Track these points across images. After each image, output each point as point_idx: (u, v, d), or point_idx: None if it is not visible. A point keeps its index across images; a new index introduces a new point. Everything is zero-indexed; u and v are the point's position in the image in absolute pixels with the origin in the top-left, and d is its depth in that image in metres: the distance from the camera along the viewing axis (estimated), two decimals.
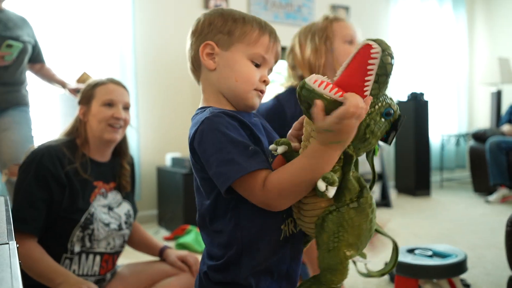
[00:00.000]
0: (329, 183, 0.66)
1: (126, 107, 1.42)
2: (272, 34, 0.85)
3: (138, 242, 1.57)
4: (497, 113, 4.66)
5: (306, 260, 1.47)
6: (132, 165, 1.53)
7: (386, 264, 0.84)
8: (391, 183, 4.35)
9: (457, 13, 5.14)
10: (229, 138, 0.72)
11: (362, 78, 0.66)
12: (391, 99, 0.71)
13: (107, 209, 1.38)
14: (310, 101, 0.65)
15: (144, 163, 3.32)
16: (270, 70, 0.87)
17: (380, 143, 0.73)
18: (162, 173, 3.23)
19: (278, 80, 2.72)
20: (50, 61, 2.51)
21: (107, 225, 1.35)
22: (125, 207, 1.45)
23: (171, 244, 2.62)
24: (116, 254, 1.42)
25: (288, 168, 0.70)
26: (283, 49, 1.50)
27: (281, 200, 0.71)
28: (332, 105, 0.64)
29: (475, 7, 5.41)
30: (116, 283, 1.42)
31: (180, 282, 1.41)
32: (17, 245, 0.63)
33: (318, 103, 0.64)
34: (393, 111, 0.69)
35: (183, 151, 3.31)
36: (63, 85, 2.38)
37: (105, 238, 1.34)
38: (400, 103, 4.32)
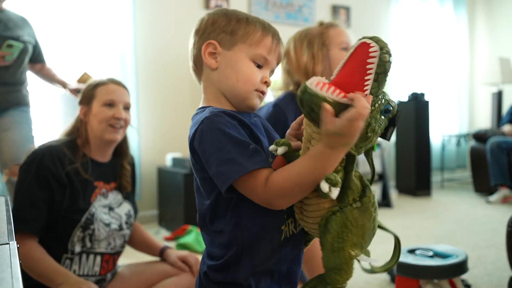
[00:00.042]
0: (332, 184, 0.65)
1: (127, 107, 1.42)
2: (275, 36, 0.85)
3: (138, 242, 1.57)
4: (498, 113, 4.66)
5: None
6: (132, 165, 1.53)
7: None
8: (391, 183, 4.34)
9: (458, 13, 5.14)
10: (229, 137, 0.72)
11: (362, 77, 0.66)
12: (387, 95, 0.70)
13: (107, 209, 1.38)
14: (313, 105, 0.65)
15: (144, 163, 3.32)
16: (272, 71, 0.87)
17: (379, 139, 0.73)
18: (162, 173, 3.23)
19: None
20: (50, 61, 2.50)
21: (108, 225, 1.35)
22: (126, 207, 1.45)
23: (172, 244, 2.62)
24: (117, 254, 1.42)
25: (292, 169, 0.70)
26: None
27: (283, 199, 0.71)
28: (336, 108, 0.64)
29: (475, 7, 5.41)
30: (117, 283, 1.42)
31: (181, 282, 1.41)
32: (18, 245, 0.63)
33: (328, 107, 0.64)
34: (392, 107, 0.69)
35: (184, 151, 3.31)
36: (63, 85, 2.38)
37: (105, 238, 1.34)
38: (400, 104, 4.32)
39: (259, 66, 0.83)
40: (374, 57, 0.65)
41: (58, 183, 1.27)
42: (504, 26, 5.13)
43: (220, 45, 0.83)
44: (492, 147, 3.85)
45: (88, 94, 1.40)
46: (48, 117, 2.88)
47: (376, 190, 3.76)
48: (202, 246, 2.50)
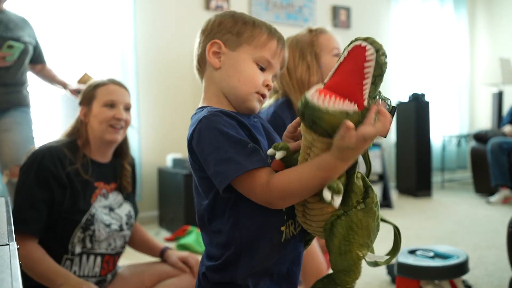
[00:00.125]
0: (335, 192, 0.65)
1: (127, 108, 1.42)
2: (281, 41, 0.85)
3: (139, 243, 1.56)
4: (499, 114, 4.65)
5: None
6: (133, 165, 1.53)
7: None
8: (392, 184, 4.34)
9: (458, 14, 5.14)
10: (227, 137, 0.72)
11: (359, 81, 0.64)
12: (382, 93, 0.70)
13: (108, 210, 1.38)
14: (315, 118, 0.63)
15: (145, 164, 3.32)
16: (275, 76, 0.87)
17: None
18: (163, 174, 3.23)
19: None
20: (51, 61, 2.51)
21: (108, 226, 1.35)
22: (126, 208, 1.45)
23: (172, 245, 2.62)
24: (117, 255, 1.42)
25: (296, 175, 0.69)
26: None
27: (284, 200, 0.71)
28: (340, 116, 0.63)
29: (476, 8, 5.41)
30: (117, 284, 1.42)
31: (181, 283, 1.41)
32: (18, 246, 0.63)
33: (350, 125, 0.62)
34: (388, 105, 0.69)
35: (184, 152, 3.31)
36: (64, 86, 2.38)
37: (106, 239, 1.34)
38: (401, 104, 4.32)
39: (262, 69, 0.83)
40: (371, 60, 0.63)
41: (58, 184, 1.27)
42: (505, 26, 5.13)
43: (225, 45, 0.83)
44: (493, 147, 3.85)
45: (88, 95, 1.40)
46: (48, 118, 2.88)
47: (376, 190, 3.75)
48: (202, 247, 2.50)
